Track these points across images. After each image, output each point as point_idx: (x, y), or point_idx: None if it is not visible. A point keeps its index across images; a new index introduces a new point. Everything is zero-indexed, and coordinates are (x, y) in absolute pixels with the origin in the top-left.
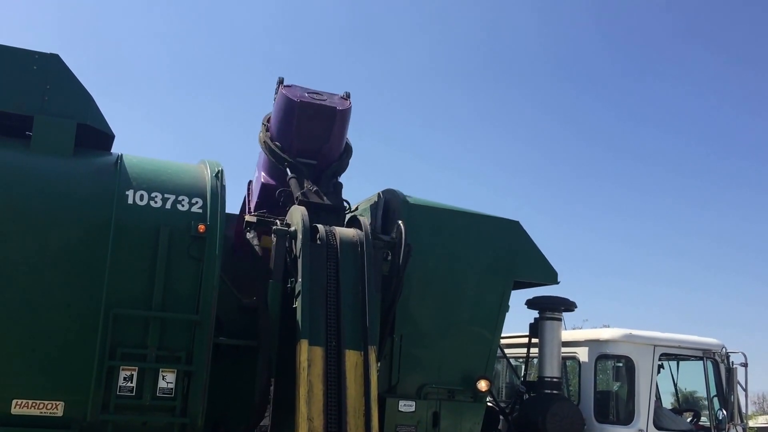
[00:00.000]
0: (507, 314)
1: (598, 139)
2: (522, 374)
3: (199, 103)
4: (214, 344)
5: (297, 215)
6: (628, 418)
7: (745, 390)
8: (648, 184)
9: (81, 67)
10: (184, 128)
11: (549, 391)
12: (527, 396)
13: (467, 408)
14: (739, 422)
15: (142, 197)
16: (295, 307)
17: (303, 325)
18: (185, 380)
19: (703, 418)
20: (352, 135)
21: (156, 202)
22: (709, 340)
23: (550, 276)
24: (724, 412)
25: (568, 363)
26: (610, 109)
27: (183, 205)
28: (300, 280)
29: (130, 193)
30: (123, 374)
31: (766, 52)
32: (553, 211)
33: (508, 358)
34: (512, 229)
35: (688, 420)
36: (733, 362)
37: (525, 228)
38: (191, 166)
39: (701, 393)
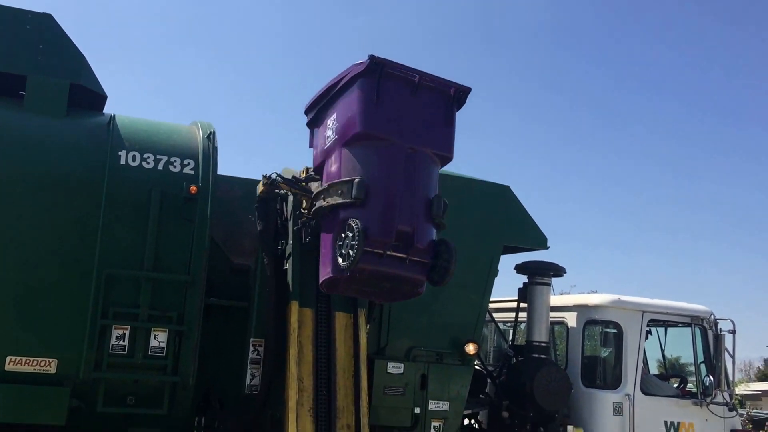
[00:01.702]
0: (496, 279)
1: (589, 106)
2: (510, 338)
3: (192, 63)
4: (205, 305)
5: (288, 177)
6: (615, 383)
7: (733, 357)
8: (640, 152)
9: (73, 27)
10: (176, 89)
11: (537, 356)
12: (515, 360)
13: (455, 371)
14: (726, 388)
15: (134, 158)
16: (286, 269)
17: (293, 287)
18: (176, 340)
19: (689, 385)
20: None
21: (148, 163)
22: (697, 306)
23: (539, 241)
24: (711, 378)
25: (556, 328)
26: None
27: (175, 167)
28: (290, 242)
29: (122, 153)
30: (115, 333)
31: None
32: (543, 179)
33: (496, 323)
34: (502, 194)
35: (675, 386)
36: (721, 329)
37: (515, 193)
38: (183, 127)
39: (688, 360)
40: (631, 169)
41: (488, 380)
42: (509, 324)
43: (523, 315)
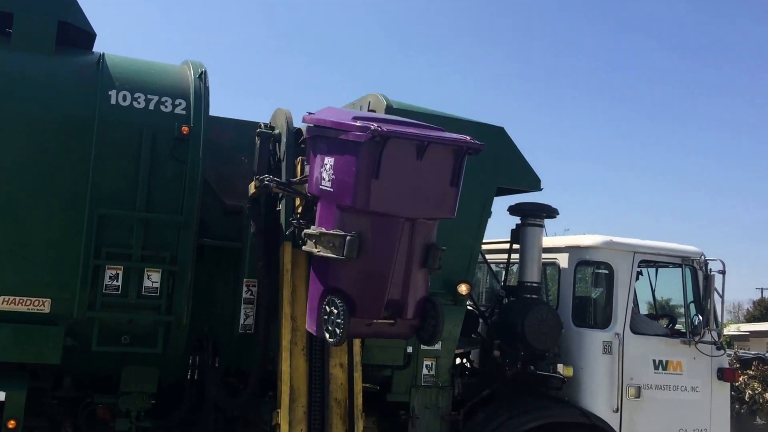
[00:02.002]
0: (489, 220)
1: (582, 50)
2: (502, 279)
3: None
4: (198, 245)
5: (281, 118)
6: (605, 323)
7: (722, 297)
8: (633, 96)
9: None
10: (166, 29)
11: (528, 296)
12: (507, 300)
13: (448, 311)
14: (714, 328)
15: (125, 98)
16: (279, 210)
17: (287, 227)
18: (170, 280)
19: (678, 325)
20: (334, 40)
21: (139, 103)
22: (688, 247)
23: (533, 183)
24: (700, 317)
25: (548, 269)
26: (596, 20)
27: (166, 107)
28: None
29: (112, 93)
30: (108, 273)
31: None
32: (537, 121)
33: (489, 264)
34: (497, 135)
35: (664, 325)
36: (711, 269)
37: (509, 135)
38: (174, 66)
39: (678, 301)
40: (626, 114)
41: (480, 320)
42: (502, 265)
43: (515, 256)
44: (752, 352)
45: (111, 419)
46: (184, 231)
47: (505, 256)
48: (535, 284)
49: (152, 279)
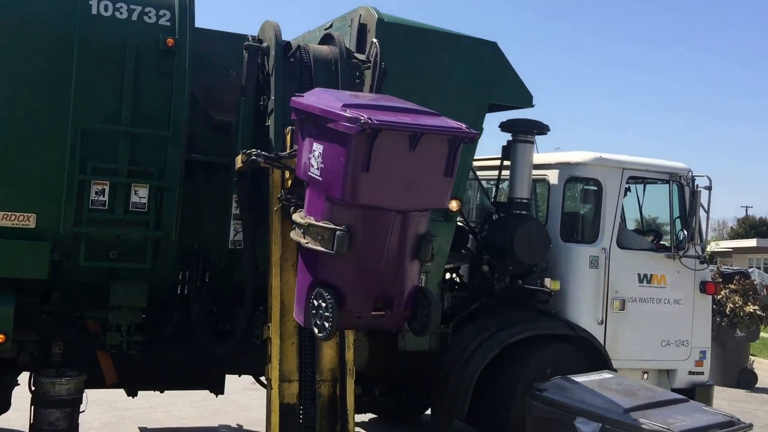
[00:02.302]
0: (480, 137)
1: None
2: (492, 196)
3: None
4: (186, 161)
5: (269, 31)
6: (592, 238)
7: (707, 212)
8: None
9: None
10: None
11: (518, 212)
12: (496, 216)
13: (438, 226)
14: (699, 242)
15: (106, 8)
16: (268, 126)
17: (276, 143)
18: (158, 195)
19: (664, 240)
20: None
21: (121, 13)
22: (676, 164)
23: (525, 99)
24: (685, 232)
25: (538, 186)
26: None
27: (150, 17)
28: (273, 97)
29: (93, 2)
30: (94, 188)
31: None
32: (530, 37)
33: (479, 180)
34: (489, 50)
35: (650, 240)
36: (697, 185)
37: (502, 50)
38: None
39: (664, 217)
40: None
41: (470, 236)
42: (492, 182)
43: (506, 173)
44: (734, 268)
45: (102, 333)
46: (171, 146)
47: (496, 172)
48: (524, 200)
49: (140, 195)
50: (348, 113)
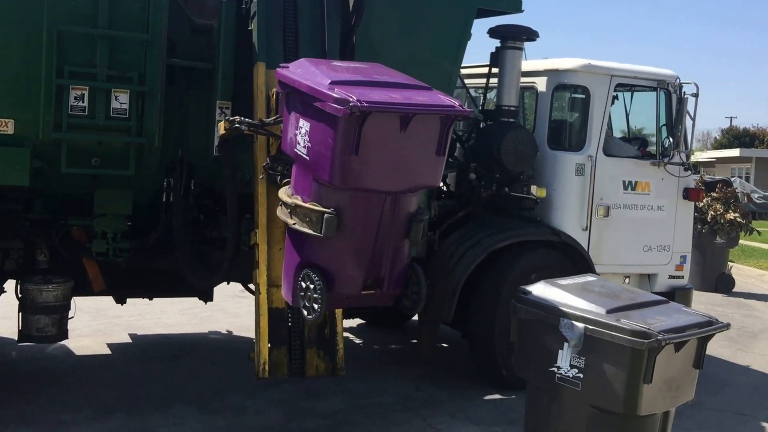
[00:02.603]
0: (468, 43)
1: None
2: (480, 104)
3: None
4: (167, 66)
5: None
6: (579, 145)
7: (693, 119)
8: None
9: None
10: None
11: (505, 120)
12: (484, 124)
13: None
14: (684, 150)
15: None
16: (251, 30)
17: (259, 48)
18: (139, 101)
19: (650, 148)
20: None
21: None
22: (664, 71)
23: (513, 4)
24: (671, 139)
25: (526, 95)
26: None
27: None
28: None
29: None
30: (73, 94)
31: None
32: None
33: (467, 88)
34: None
35: (636, 148)
36: (685, 92)
37: None
38: None
39: (650, 125)
40: None
41: (457, 144)
42: (480, 90)
43: (494, 81)
44: (717, 177)
45: (88, 241)
46: (151, 49)
47: (484, 80)
48: (512, 108)
49: (120, 100)
50: (336, 93)
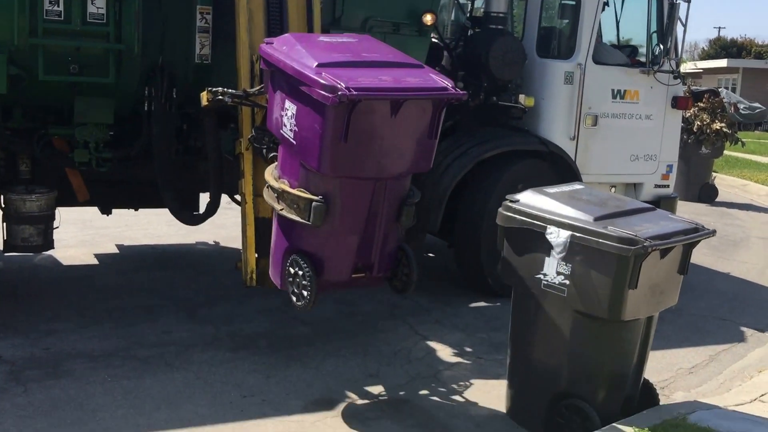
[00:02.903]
0: None
1: None
2: (468, 11)
3: None
4: None
5: None
6: (568, 53)
7: (684, 26)
8: None
9: None
10: None
11: (494, 27)
12: (472, 32)
13: (412, 42)
14: (674, 57)
15: None
16: None
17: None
18: (116, 5)
19: (640, 56)
20: None
21: None
22: None
23: None
24: (662, 46)
25: (515, 1)
26: None
27: None
28: None
29: None
30: None
31: None
32: None
33: None
34: None
35: (626, 56)
36: None
37: None
38: None
39: (641, 35)
40: None
41: (445, 52)
42: None
43: None
44: (703, 87)
45: (70, 150)
46: None
47: None
48: (501, 15)
49: (96, 4)
50: (323, 78)
